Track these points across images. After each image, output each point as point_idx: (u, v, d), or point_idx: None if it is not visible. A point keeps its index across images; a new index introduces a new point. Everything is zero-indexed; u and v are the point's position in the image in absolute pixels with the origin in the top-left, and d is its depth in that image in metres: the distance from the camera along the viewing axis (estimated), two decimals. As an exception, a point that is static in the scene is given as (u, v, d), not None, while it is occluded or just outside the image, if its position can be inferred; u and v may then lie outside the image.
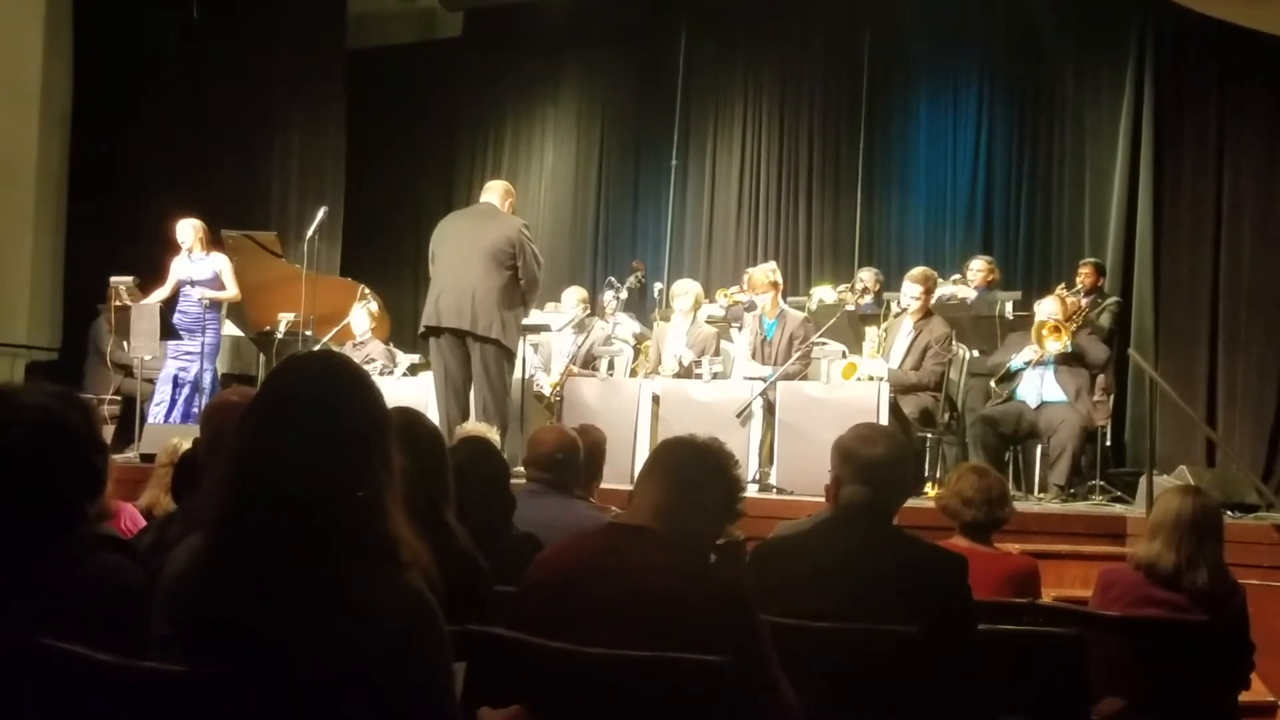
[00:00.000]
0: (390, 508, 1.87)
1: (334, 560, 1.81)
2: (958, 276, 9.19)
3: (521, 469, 4.38)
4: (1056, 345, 7.29)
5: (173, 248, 8.65)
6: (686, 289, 8.18)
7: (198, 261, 8.52)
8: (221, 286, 8.56)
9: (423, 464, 2.57)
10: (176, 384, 8.37)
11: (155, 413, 8.29)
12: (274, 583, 1.80)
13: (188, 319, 8.39)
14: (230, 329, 9.41)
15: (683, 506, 2.46)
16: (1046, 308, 7.53)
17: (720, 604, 2.31)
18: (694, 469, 2.52)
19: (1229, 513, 6.03)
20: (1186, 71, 9.37)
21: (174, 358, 8.39)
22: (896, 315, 7.74)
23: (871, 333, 7.38)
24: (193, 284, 8.44)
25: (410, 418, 2.84)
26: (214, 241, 8.78)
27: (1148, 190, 9.31)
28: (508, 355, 7.03)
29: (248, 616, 1.80)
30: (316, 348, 8.08)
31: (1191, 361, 9.01)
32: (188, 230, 8.53)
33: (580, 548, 2.43)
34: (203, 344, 8.33)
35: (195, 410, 8.25)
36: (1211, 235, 9.08)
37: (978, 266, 9.13)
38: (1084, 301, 8.45)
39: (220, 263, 8.58)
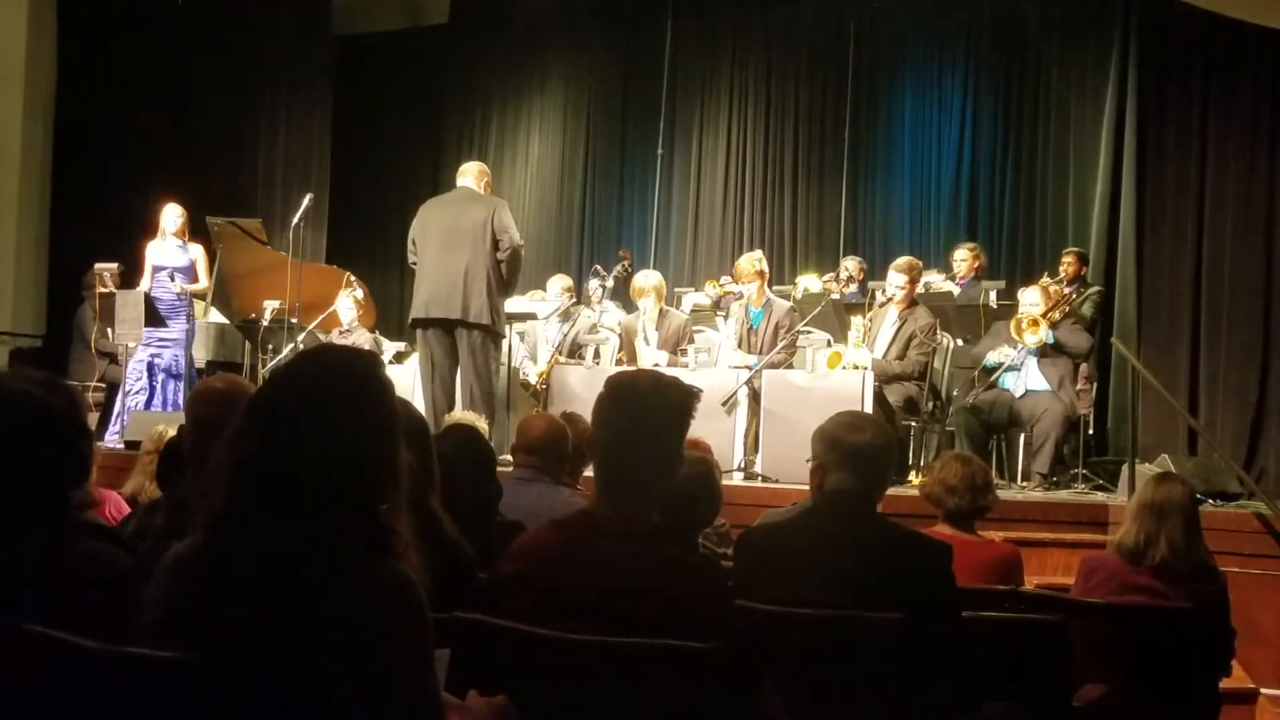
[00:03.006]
0: (395, 507, 1.88)
1: (332, 550, 1.82)
2: (942, 271, 9.20)
3: (508, 456, 4.39)
4: (1034, 338, 7.32)
5: (156, 234, 8.61)
6: (646, 284, 7.93)
7: (176, 249, 8.47)
8: (197, 277, 8.52)
9: (409, 451, 2.57)
10: (151, 371, 8.33)
11: (136, 400, 8.26)
12: (271, 570, 1.81)
13: (163, 305, 8.35)
14: (215, 316, 9.38)
15: (625, 468, 2.41)
16: (1029, 297, 7.55)
17: (698, 592, 2.31)
18: (620, 429, 2.43)
19: (1210, 501, 6.07)
20: (1170, 61, 9.38)
21: (146, 344, 8.34)
22: (881, 305, 7.76)
23: (856, 322, 7.39)
24: (172, 272, 8.39)
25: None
26: (192, 231, 8.74)
27: (1131, 179, 9.33)
28: (495, 342, 7.03)
29: (243, 602, 1.80)
30: (302, 336, 8.08)
31: (1174, 350, 9.04)
32: (175, 216, 8.49)
33: (554, 538, 2.42)
34: (180, 330, 8.30)
35: (178, 398, 8.24)
36: (1194, 225, 9.10)
37: (961, 256, 9.13)
38: (1067, 290, 8.48)
39: (197, 252, 8.54)
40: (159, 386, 8.33)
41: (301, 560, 1.81)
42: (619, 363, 8.16)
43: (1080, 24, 10.02)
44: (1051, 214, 10.10)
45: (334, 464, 1.85)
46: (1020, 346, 7.38)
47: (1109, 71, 9.62)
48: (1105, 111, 9.59)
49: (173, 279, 8.36)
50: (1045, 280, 8.34)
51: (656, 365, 7.56)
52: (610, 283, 9.12)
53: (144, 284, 8.40)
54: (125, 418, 7.99)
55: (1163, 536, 3.69)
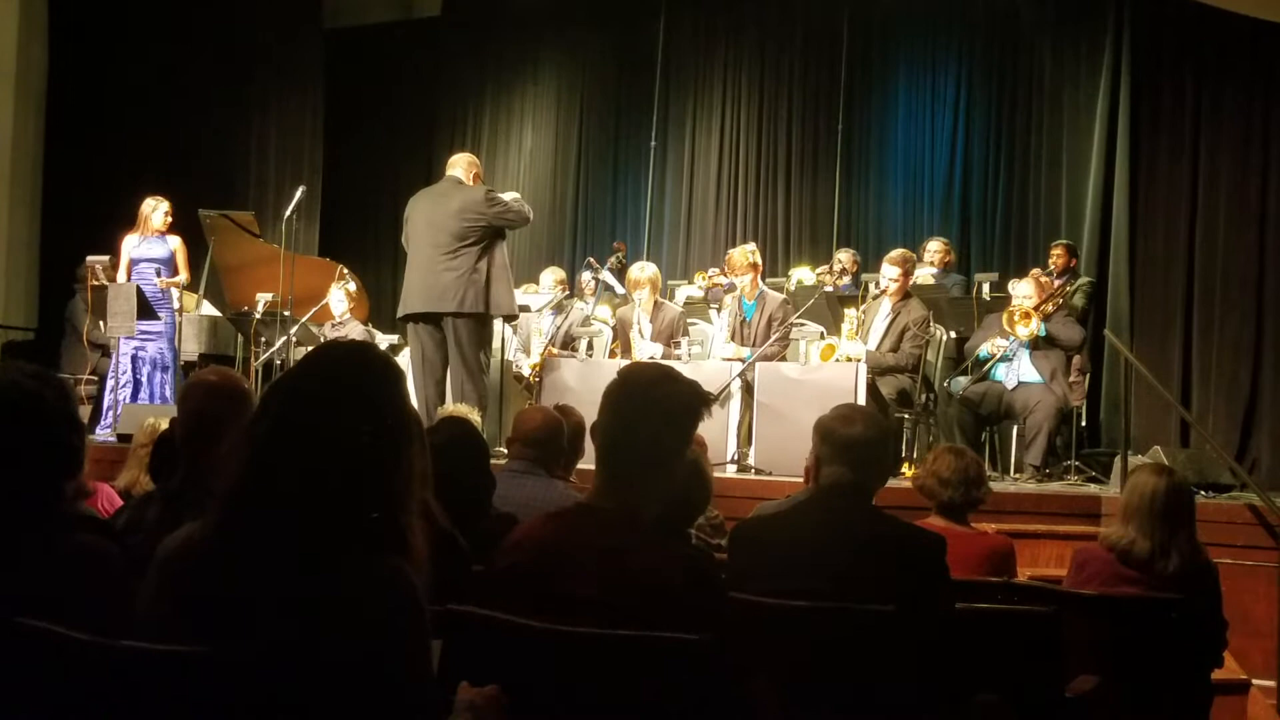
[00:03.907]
0: (405, 509, 1.88)
1: (337, 543, 1.82)
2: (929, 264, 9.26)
3: (501, 449, 4.39)
4: (1026, 330, 7.34)
5: (136, 227, 8.54)
6: (642, 276, 7.95)
7: (155, 242, 8.41)
8: (176, 269, 8.48)
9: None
10: (135, 364, 8.28)
11: (123, 394, 8.22)
12: (275, 561, 1.81)
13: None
14: (208, 308, 9.36)
15: (626, 460, 2.38)
16: (1022, 289, 7.57)
17: (692, 584, 2.30)
18: (621, 417, 2.40)
19: (1202, 492, 6.08)
20: (1163, 54, 9.40)
21: (127, 337, 8.29)
22: (875, 297, 7.76)
23: (850, 314, 7.40)
24: (159, 267, 8.35)
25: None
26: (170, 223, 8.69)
27: (1124, 172, 9.35)
28: (483, 335, 7.00)
29: (245, 591, 1.80)
30: (295, 329, 8.06)
31: (1166, 342, 9.06)
32: (164, 211, 8.45)
33: (550, 531, 2.41)
34: (163, 323, 8.27)
35: (165, 390, 8.22)
36: (1187, 217, 9.12)
37: (934, 248, 9.30)
38: (1057, 282, 8.49)
39: (175, 244, 8.48)
40: (145, 380, 8.29)
41: (306, 552, 1.81)
42: (613, 355, 8.17)
43: (1074, 17, 10.03)
44: (1044, 207, 10.11)
45: (347, 458, 1.84)
46: (1012, 338, 7.40)
47: (1102, 64, 9.62)
48: (1098, 104, 9.60)
49: (159, 274, 8.33)
50: (1036, 271, 8.37)
51: (652, 358, 7.57)
52: (603, 275, 9.11)
53: (120, 277, 8.36)
54: (117, 411, 7.97)
55: (1174, 550, 3.66)
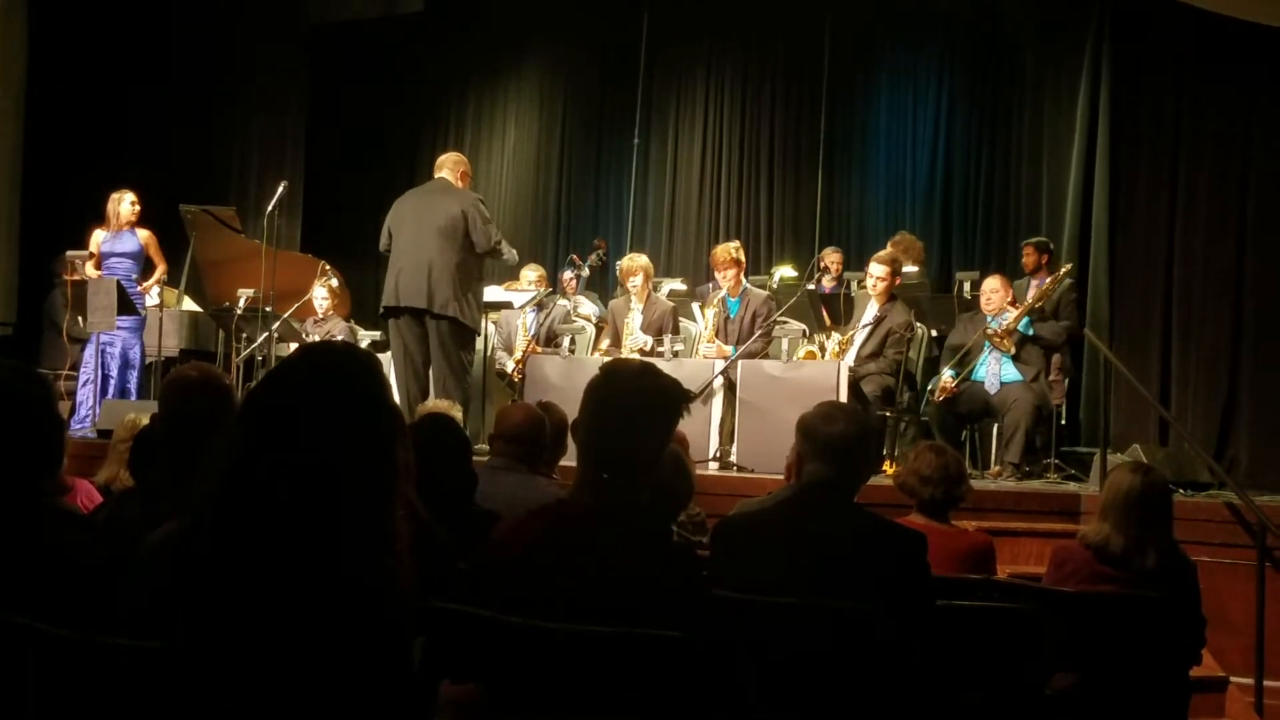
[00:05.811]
0: (390, 507, 1.88)
1: (321, 545, 1.82)
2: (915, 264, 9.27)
3: (483, 446, 4.39)
4: (1010, 342, 7.36)
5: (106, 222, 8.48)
6: (635, 264, 8.02)
7: (124, 236, 8.35)
8: (149, 262, 8.43)
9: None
10: (103, 359, 8.22)
11: (85, 392, 8.14)
12: (261, 562, 1.81)
13: None
14: (189, 304, 9.32)
15: (615, 458, 2.39)
16: (990, 284, 7.61)
17: (674, 581, 2.31)
18: (610, 417, 2.41)
19: (1181, 491, 6.11)
20: (1144, 54, 9.42)
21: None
22: (859, 283, 7.76)
23: (835, 337, 7.41)
24: (134, 265, 8.30)
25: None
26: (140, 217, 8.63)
27: (1104, 171, 9.37)
28: (467, 333, 7.02)
29: (228, 592, 1.80)
30: (276, 325, 8.04)
31: (1146, 341, 9.08)
32: (132, 204, 8.38)
33: (533, 527, 2.40)
34: (132, 319, 8.21)
35: (129, 385, 8.17)
36: (1167, 216, 9.14)
37: (896, 240, 9.29)
38: (1035, 282, 8.40)
39: (145, 238, 8.42)
40: (115, 375, 8.23)
41: (291, 550, 1.81)
42: (596, 349, 8.18)
43: (1055, 17, 10.05)
44: (1025, 206, 10.14)
45: (332, 458, 1.84)
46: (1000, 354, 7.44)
47: (1083, 65, 9.64)
48: (1079, 104, 9.62)
49: (141, 270, 8.29)
50: (996, 282, 8.25)
51: (641, 350, 7.61)
52: (585, 273, 9.10)
53: (89, 272, 8.31)
54: (94, 407, 7.92)
55: (1152, 548, 3.68)
